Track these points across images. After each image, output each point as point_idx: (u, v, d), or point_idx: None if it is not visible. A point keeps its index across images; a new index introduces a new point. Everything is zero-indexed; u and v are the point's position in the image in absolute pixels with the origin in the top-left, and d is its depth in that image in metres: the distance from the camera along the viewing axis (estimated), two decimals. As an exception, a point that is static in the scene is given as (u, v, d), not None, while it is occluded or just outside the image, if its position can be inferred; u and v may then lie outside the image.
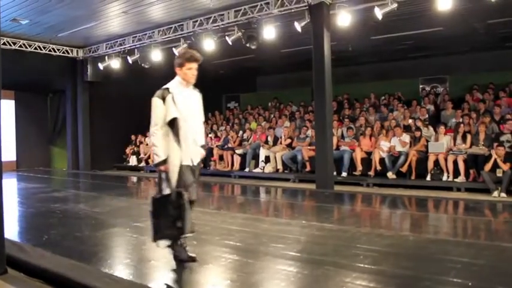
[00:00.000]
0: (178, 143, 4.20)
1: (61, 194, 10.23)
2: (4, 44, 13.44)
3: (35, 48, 14.41)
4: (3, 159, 4.31)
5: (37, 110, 18.07)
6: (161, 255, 4.62)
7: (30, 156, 17.50)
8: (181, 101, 4.27)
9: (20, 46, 14.01)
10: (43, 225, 6.69)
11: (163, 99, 4.22)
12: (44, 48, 14.67)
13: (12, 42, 13.79)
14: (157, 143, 4.20)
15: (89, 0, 10.60)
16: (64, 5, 10.76)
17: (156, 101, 4.25)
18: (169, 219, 4.14)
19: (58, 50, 15.24)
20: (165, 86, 4.37)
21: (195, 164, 4.40)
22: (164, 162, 4.20)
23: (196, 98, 4.54)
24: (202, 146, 4.60)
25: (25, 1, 10.40)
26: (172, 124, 4.20)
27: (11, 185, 12.35)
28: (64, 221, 7.00)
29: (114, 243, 5.82)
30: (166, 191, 4.26)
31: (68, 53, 15.71)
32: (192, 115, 4.38)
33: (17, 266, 4.51)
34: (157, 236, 4.24)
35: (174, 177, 4.19)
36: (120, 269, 4.48)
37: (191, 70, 4.36)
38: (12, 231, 6.01)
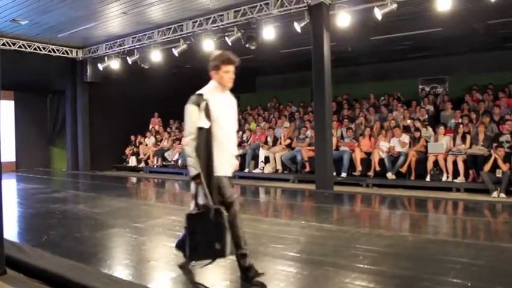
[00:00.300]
0: (212, 153, 3.82)
1: (60, 195, 10.23)
2: (4, 44, 13.45)
3: (35, 49, 14.40)
4: (2, 160, 4.30)
5: (37, 111, 18.06)
6: (160, 256, 4.62)
7: (30, 157, 17.49)
8: (218, 108, 3.90)
9: (20, 47, 14.01)
10: (42, 226, 6.70)
11: (198, 106, 3.85)
12: (44, 48, 14.66)
13: (12, 43, 13.79)
14: (191, 154, 3.82)
15: (89, 1, 10.59)
16: (64, 6, 10.75)
17: (191, 108, 3.87)
18: (206, 238, 3.73)
19: (58, 50, 15.23)
20: (199, 92, 4.00)
21: (230, 175, 4.05)
22: (199, 175, 3.78)
23: (232, 104, 4.18)
24: (236, 156, 4.28)
25: (25, 1, 10.39)
26: (204, 133, 3.82)
27: (11, 185, 12.34)
28: (63, 222, 7.00)
29: (113, 243, 5.82)
30: (202, 206, 3.83)
31: (68, 54, 15.71)
32: (228, 122, 4.01)
33: (16, 266, 4.50)
34: (193, 256, 3.86)
35: (210, 191, 3.77)
36: (120, 269, 4.48)
37: (228, 73, 4.04)
38: (11, 232, 6.01)
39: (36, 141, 17.86)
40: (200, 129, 3.79)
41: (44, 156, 18.37)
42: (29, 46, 14.22)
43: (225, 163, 3.92)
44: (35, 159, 17.69)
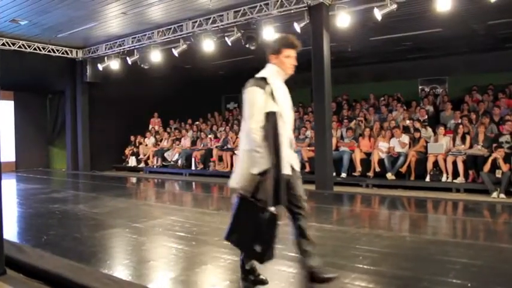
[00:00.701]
0: (281, 144, 3.39)
1: (60, 195, 10.23)
2: (3, 44, 13.45)
3: (34, 49, 14.40)
4: (2, 160, 4.30)
5: (36, 111, 18.07)
6: (160, 256, 4.62)
7: (30, 157, 17.50)
8: (280, 95, 3.53)
9: (19, 47, 14.01)
10: (42, 226, 6.69)
11: (263, 89, 3.44)
12: (44, 49, 14.67)
13: (12, 43, 13.79)
14: (261, 143, 3.35)
15: (89, 1, 10.60)
16: (63, 6, 10.76)
17: (255, 91, 3.43)
18: (248, 233, 3.39)
19: (57, 50, 15.24)
20: (260, 75, 3.58)
21: (297, 169, 3.68)
22: (266, 172, 3.33)
23: (287, 93, 3.74)
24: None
25: (24, 2, 10.40)
26: (273, 118, 3.41)
27: (10, 185, 12.34)
28: (63, 222, 6.99)
29: (113, 243, 5.82)
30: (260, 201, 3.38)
31: (68, 54, 15.71)
32: (288, 115, 3.65)
33: (16, 266, 4.50)
34: (228, 237, 3.51)
35: (276, 190, 3.35)
36: (120, 269, 4.48)
37: (289, 58, 3.63)
38: (11, 232, 6.01)
39: (36, 142, 17.86)
40: (268, 115, 3.39)
41: (44, 156, 18.37)
42: (29, 46, 14.23)
43: (288, 158, 3.50)
44: (34, 160, 17.70)
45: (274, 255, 3.43)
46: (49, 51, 14.90)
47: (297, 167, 3.66)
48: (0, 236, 4.26)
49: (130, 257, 4.97)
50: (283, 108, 3.50)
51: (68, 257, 4.68)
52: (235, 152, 13.79)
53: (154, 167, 15.99)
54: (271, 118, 3.38)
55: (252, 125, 3.39)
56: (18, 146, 17.14)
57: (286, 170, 3.43)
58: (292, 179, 3.54)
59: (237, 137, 14.49)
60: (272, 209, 3.32)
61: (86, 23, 12.39)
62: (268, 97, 3.42)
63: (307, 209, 3.65)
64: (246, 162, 3.44)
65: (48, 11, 11.15)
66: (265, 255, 3.36)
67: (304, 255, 3.63)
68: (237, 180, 3.53)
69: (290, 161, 3.54)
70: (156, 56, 13.83)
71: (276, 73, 3.63)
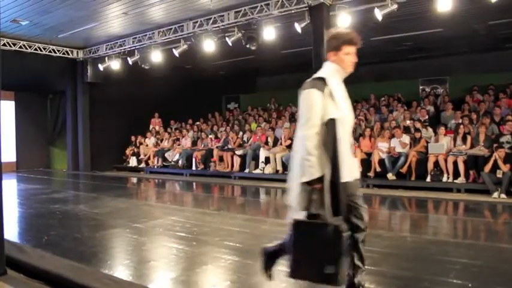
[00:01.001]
0: (340, 151, 3.06)
1: (61, 195, 10.24)
2: (4, 45, 13.44)
3: (35, 49, 14.41)
4: (3, 160, 4.30)
5: (37, 111, 18.08)
6: (161, 256, 4.62)
7: (30, 157, 17.51)
8: (339, 97, 3.24)
9: (20, 47, 14.02)
10: (43, 226, 6.70)
11: (322, 92, 3.15)
12: (44, 49, 14.67)
13: (12, 43, 13.80)
14: (313, 151, 3.03)
15: (90, 2, 10.60)
16: (64, 6, 10.77)
17: (313, 94, 3.13)
18: (315, 257, 3.01)
19: (58, 51, 15.24)
20: (317, 75, 3.28)
21: (357, 177, 3.35)
22: (321, 179, 3.01)
23: (346, 94, 3.43)
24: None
25: (25, 2, 10.40)
26: (328, 127, 3.08)
27: (11, 185, 12.36)
28: (64, 222, 7.00)
29: (113, 244, 5.82)
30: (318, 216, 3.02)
31: (68, 54, 15.71)
32: (348, 116, 3.33)
33: (16, 267, 4.50)
34: (294, 274, 3.12)
35: (336, 201, 3.01)
36: (120, 269, 4.48)
37: (349, 56, 3.34)
38: (12, 232, 6.01)
39: (37, 142, 17.88)
40: (327, 121, 3.07)
41: (44, 156, 18.39)
42: (30, 46, 14.23)
43: (348, 165, 3.18)
44: (35, 160, 17.72)
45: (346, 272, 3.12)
46: (50, 51, 14.91)
47: (358, 175, 3.36)
48: (1, 236, 4.26)
49: (131, 257, 4.97)
50: (343, 111, 3.21)
51: (68, 257, 4.69)
52: (236, 152, 13.81)
53: (155, 167, 15.98)
54: (331, 124, 3.07)
55: (306, 131, 3.09)
56: (18, 146, 17.15)
57: (346, 178, 3.13)
58: (352, 187, 3.24)
59: (237, 137, 14.51)
60: (334, 220, 2.97)
61: (86, 23, 12.41)
62: (327, 100, 3.13)
63: (367, 221, 3.39)
64: (296, 171, 3.16)
65: (49, 11, 11.16)
66: (339, 274, 2.94)
67: (353, 270, 3.32)
68: (290, 194, 3.19)
69: (351, 169, 3.24)
70: (156, 56, 13.83)
71: (335, 72, 3.36)
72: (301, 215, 3.07)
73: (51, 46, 14.86)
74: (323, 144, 3.04)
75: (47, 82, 16.85)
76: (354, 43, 3.34)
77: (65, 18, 11.84)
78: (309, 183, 3.01)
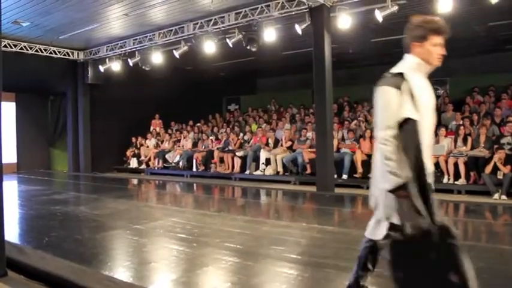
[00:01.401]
0: (423, 154, 2.70)
1: (61, 196, 10.24)
2: (5, 46, 13.43)
3: (36, 51, 14.41)
4: (3, 162, 4.30)
5: (38, 113, 18.06)
6: (161, 258, 4.62)
7: (31, 159, 17.50)
8: (420, 95, 2.82)
9: (21, 48, 14.02)
10: (43, 228, 6.70)
11: (399, 89, 2.80)
12: (45, 50, 14.68)
13: (13, 45, 13.79)
14: (391, 155, 2.71)
15: (91, 3, 10.60)
16: (65, 8, 10.77)
17: (389, 92, 2.82)
18: (433, 272, 2.59)
19: (59, 52, 15.24)
20: (395, 71, 2.95)
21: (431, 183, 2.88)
22: (405, 186, 2.65)
23: (432, 93, 3.01)
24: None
25: (26, 3, 10.41)
26: (407, 129, 2.73)
27: (12, 187, 12.36)
28: (64, 223, 7.00)
29: (114, 245, 5.82)
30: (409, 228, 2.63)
31: (69, 55, 15.72)
32: (430, 117, 2.92)
33: (17, 268, 4.50)
34: None
35: (420, 206, 2.61)
36: (121, 271, 4.48)
37: (437, 47, 2.99)
38: (12, 234, 6.02)
39: (37, 143, 17.86)
40: (405, 121, 2.72)
41: (45, 157, 18.36)
42: (31, 48, 14.24)
43: (428, 169, 2.78)
44: (36, 161, 17.69)
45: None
46: (50, 52, 14.91)
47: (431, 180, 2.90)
48: (2, 238, 4.27)
49: (132, 259, 4.97)
50: (423, 111, 2.80)
51: (69, 258, 4.69)
52: (236, 153, 13.81)
53: (156, 168, 15.99)
54: (410, 126, 2.71)
55: (382, 133, 2.78)
56: (19, 148, 17.13)
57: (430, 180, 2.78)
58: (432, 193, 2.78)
59: (238, 139, 14.51)
60: (438, 223, 2.61)
61: (87, 24, 12.40)
62: (406, 98, 2.76)
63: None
64: (377, 178, 2.91)
65: (50, 13, 11.16)
66: (467, 278, 2.55)
67: (362, 272, 3.21)
68: (377, 203, 2.91)
69: (430, 173, 2.82)
70: (157, 58, 13.84)
71: (417, 66, 2.96)
72: (386, 227, 2.79)
73: (52, 47, 14.86)
74: (403, 148, 2.70)
75: (48, 84, 16.85)
76: (442, 32, 3.03)
77: (66, 20, 11.84)
78: (393, 190, 2.69)
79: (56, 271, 4.26)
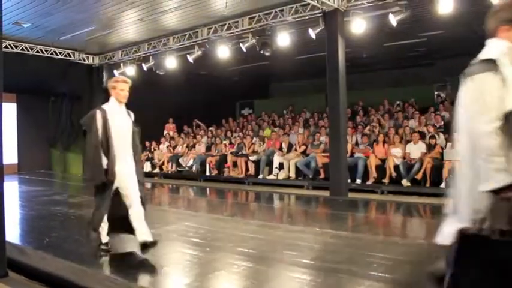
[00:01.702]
0: None
1: (62, 197, 10.31)
2: (6, 47, 13.30)
3: (37, 52, 14.30)
4: (4, 162, 4.31)
5: (38, 113, 18.04)
6: (174, 262, 4.62)
7: (32, 159, 17.60)
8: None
9: (22, 49, 13.95)
10: (44, 228, 6.75)
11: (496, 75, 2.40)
12: (46, 51, 14.58)
13: (14, 46, 13.72)
14: (498, 151, 2.32)
15: (91, 4, 10.55)
16: (66, 9, 10.66)
17: (488, 80, 2.40)
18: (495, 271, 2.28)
19: (60, 53, 15.09)
20: (485, 56, 2.50)
21: None
22: (507, 189, 2.29)
23: None
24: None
25: (27, 4, 10.44)
26: (509, 121, 2.35)
27: (12, 188, 12.48)
28: (65, 224, 7.05)
29: (125, 249, 5.82)
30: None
31: (69, 56, 15.59)
32: None
33: (18, 268, 4.53)
34: None
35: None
36: (121, 272, 4.47)
37: None
38: (13, 234, 6.02)
39: (38, 144, 17.90)
40: (508, 113, 2.35)
41: (46, 158, 18.48)
42: (31, 49, 14.16)
43: None
44: (36, 162, 17.78)
45: None
46: (51, 53, 14.80)
47: None
48: (3, 238, 4.28)
49: (143, 263, 4.97)
50: None
51: (69, 259, 4.71)
52: (250, 157, 13.81)
53: (169, 172, 16.05)
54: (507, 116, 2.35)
55: (483, 125, 2.36)
56: (20, 148, 17.22)
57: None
58: None
59: (252, 143, 14.51)
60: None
61: (88, 25, 12.33)
62: (502, 86, 2.39)
63: None
64: (469, 179, 2.52)
65: (51, 14, 11.09)
66: None
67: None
68: (460, 208, 2.64)
69: None
70: (171, 62, 13.92)
71: (509, 51, 2.50)
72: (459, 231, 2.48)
73: (52, 48, 14.83)
74: (507, 142, 2.34)
75: (49, 84, 16.83)
76: None
77: (67, 21, 11.72)
78: (497, 191, 2.31)
79: (56, 272, 4.29)
